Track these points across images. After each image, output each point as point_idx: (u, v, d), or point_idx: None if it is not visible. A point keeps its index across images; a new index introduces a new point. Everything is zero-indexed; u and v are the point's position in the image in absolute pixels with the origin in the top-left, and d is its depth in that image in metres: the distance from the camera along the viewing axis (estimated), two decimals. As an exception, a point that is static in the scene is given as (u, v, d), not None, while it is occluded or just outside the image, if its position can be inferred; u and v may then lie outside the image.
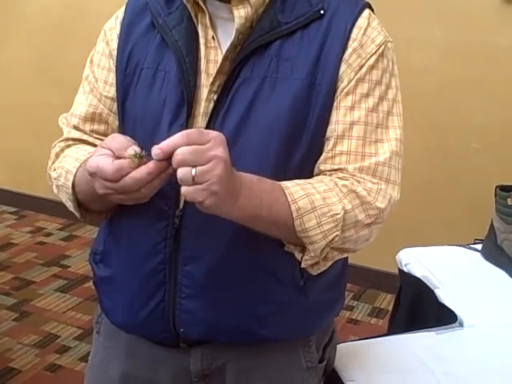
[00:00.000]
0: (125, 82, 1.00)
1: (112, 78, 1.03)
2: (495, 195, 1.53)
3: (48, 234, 3.45)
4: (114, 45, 1.02)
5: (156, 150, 0.80)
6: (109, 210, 1.01)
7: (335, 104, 0.93)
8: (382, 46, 0.95)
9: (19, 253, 3.22)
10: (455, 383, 1.09)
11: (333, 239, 0.89)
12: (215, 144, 0.80)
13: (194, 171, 0.78)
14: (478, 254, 1.59)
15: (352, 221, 0.90)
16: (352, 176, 0.92)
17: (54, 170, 1.02)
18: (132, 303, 0.99)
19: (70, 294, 2.83)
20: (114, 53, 1.02)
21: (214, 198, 0.80)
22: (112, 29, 1.04)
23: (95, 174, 0.85)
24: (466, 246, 1.65)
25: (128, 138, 0.87)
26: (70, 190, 0.98)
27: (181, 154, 0.79)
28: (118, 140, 0.86)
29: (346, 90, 0.93)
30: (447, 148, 2.67)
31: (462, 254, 1.61)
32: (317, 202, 0.89)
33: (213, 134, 0.81)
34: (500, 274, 1.49)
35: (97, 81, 1.04)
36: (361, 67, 0.93)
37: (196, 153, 0.79)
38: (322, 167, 0.94)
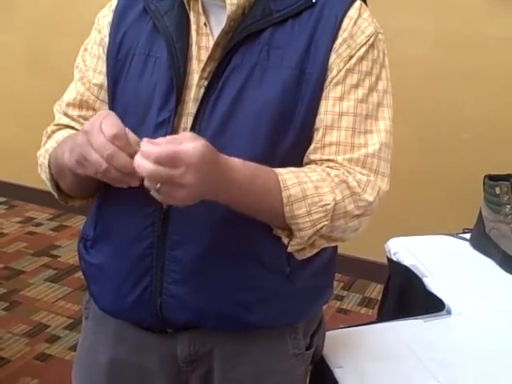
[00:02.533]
0: (116, 68, 1.00)
1: (101, 65, 1.03)
2: (484, 184, 1.54)
3: (38, 224, 3.44)
4: (106, 32, 1.03)
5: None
6: (89, 197, 1.02)
7: (324, 94, 0.93)
8: (373, 37, 0.95)
9: (9, 243, 3.21)
10: (443, 370, 1.10)
11: (321, 228, 0.90)
12: (186, 171, 0.78)
13: (158, 185, 0.78)
14: (467, 243, 1.60)
15: (341, 211, 0.91)
16: (342, 166, 0.93)
17: (39, 150, 1.04)
18: (119, 288, 0.99)
19: (60, 283, 2.83)
20: (106, 39, 1.02)
21: (185, 196, 0.80)
22: (105, 16, 1.05)
23: (88, 132, 0.83)
24: (455, 235, 1.66)
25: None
26: (47, 170, 0.99)
27: (147, 174, 0.77)
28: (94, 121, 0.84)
29: (335, 81, 0.93)
30: (436, 138, 2.68)
31: (450, 243, 1.62)
32: (308, 190, 0.89)
33: (186, 160, 0.77)
34: (488, 262, 1.50)
35: (87, 68, 1.05)
36: (350, 57, 0.93)
37: (166, 177, 0.78)
38: (312, 157, 0.95)
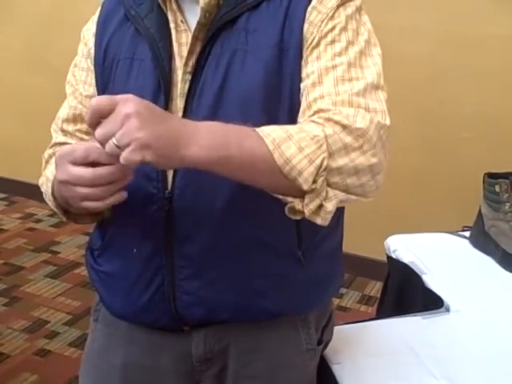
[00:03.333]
0: (103, 77, 1.01)
1: (91, 77, 1.04)
2: (483, 182, 1.54)
3: (38, 221, 3.45)
4: (91, 44, 1.04)
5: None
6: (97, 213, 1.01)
7: (303, 62, 0.91)
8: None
9: (9, 239, 3.21)
10: (440, 366, 1.10)
11: (321, 163, 0.81)
12: (122, 104, 0.77)
13: (113, 139, 0.76)
14: (466, 241, 1.60)
15: (339, 145, 0.83)
16: (327, 111, 0.86)
17: (41, 177, 1.04)
18: (131, 292, 0.99)
19: (60, 279, 2.83)
20: (92, 51, 1.04)
21: (152, 151, 0.76)
22: (89, 29, 1.06)
23: (68, 181, 0.84)
24: (455, 233, 1.66)
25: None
26: (51, 197, 0.99)
27: (97, 134, 0.78)
28: (77, 150, 0.84)
29: (311, 46, 0.91)
30: (437, 136, 2.68)
31: (450, 241, 1.62)
32: (291, 130, 0.83)
33: (118, 96, 0.78)
34: (487, 260, 1.50)
35: (77, 82, 1.06)
36: (322, 22, 0.91)
37: (107, 124, 0.77)
38: (301, 120, 0.90)
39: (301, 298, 1.00)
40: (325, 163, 0.82)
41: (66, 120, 1.06)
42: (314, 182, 0.82)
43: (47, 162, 1.06)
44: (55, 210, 1.01)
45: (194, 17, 0.95)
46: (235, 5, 0.93)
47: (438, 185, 2.71)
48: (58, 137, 1.07)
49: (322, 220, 0.85)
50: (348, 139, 0.83)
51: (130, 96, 0.79)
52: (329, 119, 0.84)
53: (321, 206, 0.84)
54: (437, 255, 1.52)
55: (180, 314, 0.97)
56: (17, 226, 3.38)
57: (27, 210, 3.56)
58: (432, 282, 1.38)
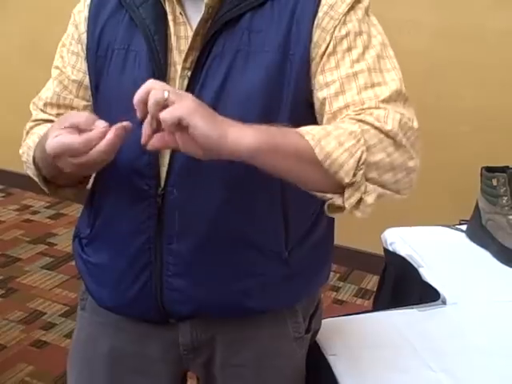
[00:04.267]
0: (97, 65, 0.98)
1: (80, 62, 1.02)
2: (481, 176, 1.53)
3: (35, 212, 3.44)
4: (83, 28, 1.01)
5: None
6: (78, 184, 1.01)
7: (319, 70, 0.90)
8: (353, 3, 0.92)
9: (6, 230, 3.21)
10: (437, 358, 1.10)
11: (361, 157, 0.82)
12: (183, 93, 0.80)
13: (166, 92, 0.76)
14: (463, 235, 1.60)
15: (375, 140, 0.84)
16: (357, 114, 0.87)
17: (22, 147, 1.03)
18: (119, 285, 0.99)
19: (57, 271, 2.83)
20: (83, 36, 1.01)
21: (197, 113, 0.75)
22: (80, 12, 1.03)
23: (62, 153, 0.83)
24: (452, 226, 1.66)
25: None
26: (32, 166, 0.98)
27: (151, 81, 0.79)
28: (83, 115, 0.85)
29: (326, 53, 0.90)
30: (435, 130, 2.67)
31: (447, 234, 1.62)
32: (329, 127, 0.84)
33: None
34: (484, 253, 1.50)
35: (65, 65, 1.04)
36: (335, 28, 0.90)
37: (165, 84, 0.79)
38: None
39: (287, 294, 1.01)
40: (364, 156, 0.83)
41: (50, 104, 1.04)
42: (354, 175, 0.83)
43: (28, 133, 1.04)
44: (35, 178, 1.00)
45: (194, 11, 0.93)
46: (239, 2, 0.91)
47: (435, 178, 2.71)
48: (39, 114, 1.06)
49: (361, 213, 0.86)
50: (381, 136, 0.85)
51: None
52: (360, 120, 0.85)
53: (360, 200, 0.85)
54: (434, 248, 1.52)
55: (166, 309, 0.98)
56: (13, 217, 3.37)
57: (24, 201, 3.56)
58: (429, 274, 1.38)
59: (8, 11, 3.47)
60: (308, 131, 0.83)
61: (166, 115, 0.75)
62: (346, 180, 0.83)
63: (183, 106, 0.75)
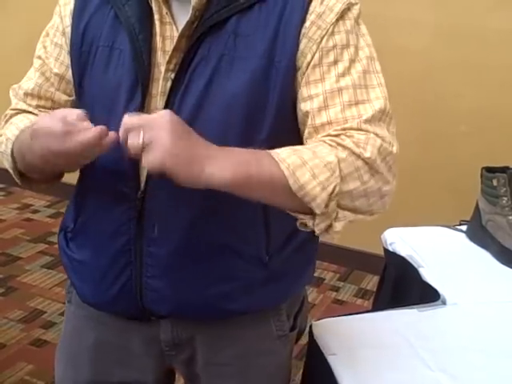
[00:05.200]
0: (81, 60, 0.97)
1: (63, 55, 1.01)
2: (481, 176, 1.53)
3: (35, 211, 3.44)
4: (68, 21, 1.00)
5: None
6: (49, 180, 1.01)
7: (304, 80, 0.89)
8: (342, 12, 0.90)
9: (6, 229, 3.21)
10: (436, 359, 1.10)
11: (333, 190, 0.83)
12: (159, 117, 0.81)
13: (141, 133, 0.78)
14: (463, 235, 1.60)
15: (351, 169, 0.84)
16: (338, 135, 0.87)
17: None
18: (100, 283, 1.00)
19: (56, 270, 2.83)
20: (68, 29, 1.00)
21: (172, 157, 0.78)
22: (66, 4, 1.02)
23: (39, 133, 0.84)
24: (452, 226, 1.66)
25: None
26: (9, 158, 0.98)
27: (129, 119, 0.80)
28: (75, 112, 0.86)
29: (312, 64, 0.89)
30: (435, 130, 2.68)
31: (447, 235, 1.62)
32: (306, 155, 0.84)
33: (154, 115, 0.83)
34: (484, 254, 1.50)
35: (48, 56, 1.03)
36: (322, 38, 0.89)
37: (142, 119, 0.81)
38: (309, 142, 0.91)
39: (269, 296, 1.01)
40: (337, 189, 0.84)
41: (31, 95, 1.04)
42: (326, 206, 0.84)
43: (7, 121, 1.04)
44: (10, 171, 1.00)
45: (181, 12, 0.92)
46: (226, 4, 0.89)
47: (435, 179, 2.71)
48: (18, 103, 1.05)
49: (330, 238, 0.89)
50: (359, 163, 0.85)
51: (160, 112, 0.82)
52: (339, 144, 0.85)
53: (330, 226, 0.87)
54: (434, 249, 1.52)
55: (146, 308, 0.99)
56: (14, 216, 3.37)
57: (24, 200, 3.56)
58: (429, 275, 1.38)
59: (8, 10, 3.47)
60: (284, 159, 0.83)
61: (144, 163, 0.79)
62: (317, 211, 0.85)
63: (159, 149, 0.78)
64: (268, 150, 0.85)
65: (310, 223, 0.87)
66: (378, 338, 1.16)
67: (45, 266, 2.88)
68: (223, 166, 0.81)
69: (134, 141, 0.79)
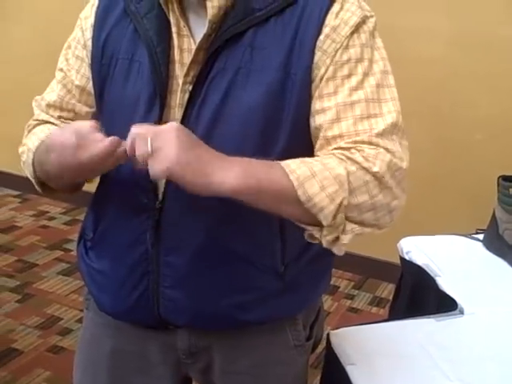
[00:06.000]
0: (101, 73, 0.99)
1: (84, 68, 1.03)
2: (498, 185, 1.53)
3: (51, 218, 3.47)
4: (89, 35, 1.02)
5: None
6: (69, 189, 1.03)
7: (317, 93, 0.89)
8: (357, 25, 0.91)
9: (23, 236, 3.24)
10: (455, 369, 1.10)
11: (341, 202, 0.84)
12: (167, 128, 0.83)
13: (149, 140, 0.80)
14: (480, 244, 1.60)
15: (360, 183, 0.85)
16: (348, 149, 0.87)
17: (22, 145, 1.05)
18: (118, 293, 1.01)
19: (73, 277, 2.85)
20: (89, 43, 1.01)
21: (179, 164, 0.80)
22: (87, 17, 1.03)
23: (54, 146, 0.87)
24: (468, 235, 1.65)
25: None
26: (31, 167, 1.00)
27: (136, 129, 0.82)
28: (88, 125, 0.88)
29: (325, 77, 0.89)
30: (451, 139, 2.67)
31: (463, 244, 1.61)
32: (315, 167, 0.84)
33: (163, 126, 0.84)
34: (501, 263, 1.50)
35: (69, 68, 1.05)
36: (336, 51, 0.89)
37: (149, 129, 0.82)
38: (319, 152, 0.91)
39: (284, 306, 1.01)
40: (345, 202, 0.84)
41: (53, 106, 1.06)
42: (334, 218, 0.85)
43: (29, 131, 1.06)
44: (32, 180, 1.02)
45: (198, 25, 0.93)
46: (242, 17, 0.90)
47: (450, 187, 2.71)
48: (40, 114, 1.07)
49: (337, 250, 0.90)
50: (368, 177, 0.85)
51: (169, 123, 0.84)
52: (349, 158, 0.86)
53: (337, 238, 0.87)
54: (450, 258, 1.52)
55: (163, 318, 1.00)
56: (30, 223, 3.40)
57: (40, 207, 3.59)
58: (446, 284, 1.38)
59: (25, 18, 3.51)
60: (294, 170, 0.84)
61: (152, 171, 0.81)
62: (325, 223, 0.85)
63: (166, 156, 0.80)
64: (278, 161, 0.86)
65: (317, 235, 0.88)
66: (395, 348, 1.16)
67: (61, 272, 2.90)
68: (231, 174, 0.82)
69: (142, 149, 0.80)
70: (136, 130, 0.83)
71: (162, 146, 0.80)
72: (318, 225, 0.86)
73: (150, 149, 0.80)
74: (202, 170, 0.81)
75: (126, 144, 0.83)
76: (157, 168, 0.80)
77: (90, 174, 0.92)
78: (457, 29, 2.56)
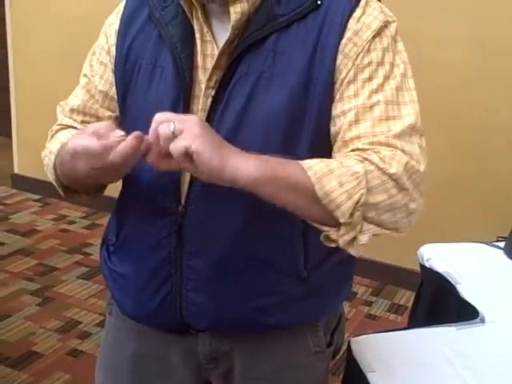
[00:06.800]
0: (125, 79, 1.00)
1: (108, 73, 1.04)
2: (519, 193, 1.53)
3: (71, 222, 3.50)
4: (113, 41, 1.03)
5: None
6: (94, 192, 1.04)
7: (338, 96, 0.90)
8: (379, 29, 0.91)
9: (43, 239, 3.27)
10: (477, 378, 1.09)
11: (359, 200, 0.83)
12: (188, 117, 0.84)
13: (172, 124, 0.80)
14: (501, 252, 1.59)
15: (378, 182, 0.84)
16: (365, 150, 0.87)
17: (44, 149, 1.06)
18: (140, 296, 1.02)
19: (92, 281, 2.87)
20: (113, 49, 1.03)
21: (200, 141, 0.80)
22: (112, 24, 1.05)
23: (78, 154, 0.86)
24: (489, 243, 1.65)
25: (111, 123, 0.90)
26: (52, 171, 1.01)
27: (160, 114, 0.83)
28: (103, 123, 0.89)
29: (346, 81, 0.90)
30: (471, 144, 2.66)
31: (484, 251, 1.61)
32: (333, 164, 0.84)
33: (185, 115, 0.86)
34: (522, 271, 1.49)
35: (93, 74, 1.06)
36: (358, 55, 0.90)
37: (173, 115, 0.84)
38: (336, 154, 0.92)
39: (306, 311, 1.01)
40: (362, 199, 0.84)
41: (76, 111, 1.07)
42: (351, 215, 0.84)
43: (52, 136, 1.07)
44: (54, 183, 1.03)
45: (221, 31, 0.94)
46: (265, 23, 0.91)
47: (470, 193, 2.69)
48: (64, 119, 1.09)
49: (354, 251, 0.88)
50: (385, 178, 0.85)
51: (191, 115, 0.86)
52: (366, 159, 0.86)
53: (355, 238, 0.86)
54: (471, 265, 1.51)
55: (185, 321, 1.00)
56: (50, 227, 3.43)
57: (60, 211, 3.62)
58: (467, 292, 1.38)
59: (48, 26, 3.55)
60: (312, 166, 0.84)
61: (172, 149, 0.80)
62: (342, 220, 0.84)
63: (188, 135, 0.80)
64: (295, 160, 0.86)
65: (334, 235, 0.87)
66: (416, 356, 1.16)
67: (80, 276, 2.92)
68: (248, 162, 0.82)
69: (165, 129, 0.81)
70: (160, 116, 0.83)
71: (185, 128, 0.81)
72: (335, 225, 0.86)
73: (172, 129, 0.80)
74: (219, 152, 0.81)
75: (150, 132, 0.83)
76: (178, 145, 0.80)
77: (120, 173, 0.91)
78: (477, 34, 2.55)
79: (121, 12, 1.04)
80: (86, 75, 1.08)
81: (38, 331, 2.47)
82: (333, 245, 0.88)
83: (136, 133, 0.84)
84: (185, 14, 0.95)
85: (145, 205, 0.99)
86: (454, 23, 2.58)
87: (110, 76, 1.04)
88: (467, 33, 2.57)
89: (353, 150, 0.88)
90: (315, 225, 0.89)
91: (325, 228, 0.88)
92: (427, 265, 1.55)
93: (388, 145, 0.87)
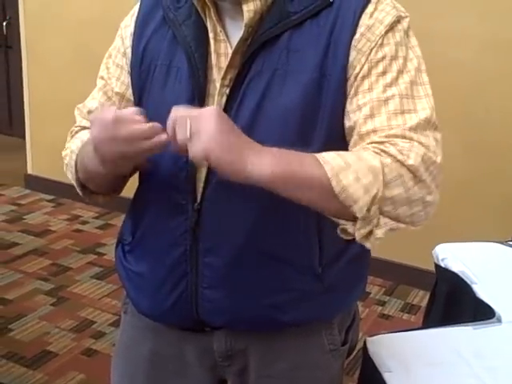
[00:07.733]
0: (140, 80, 1.01)
1: (124, 75, 1.05)
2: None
3: (84, 222, 3.52)
4: (128, 43, 1.04)
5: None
6: (111, 192, 1.05)
7: (353, 91, 0.90)
8: (391, 24, 0.91)
9: (56, 239, 3.30)
10: (494, 378, 1.09)
11: (376, 194, 0.83)
12: (203, 111, 0.84)
13: (188, 124, 0.81)
14: (516, 251, 1.58)
15: (395, 175, 0.84)
16: (382, 142, 0.87)
17: (65, 149, 1.07)
18: (156, 294, 1.02)
19: (106, 281, 2.89)
20: (128, 51, 1.04)
21: (217, 144, 0.80)
22: (127, 26, 1.06)
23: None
24: (505, 242, 1.64)
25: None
26: (73, 169, 1.02)
27: (176, 111, 0.83)
28: (110, 109, 0.89)
29: (360, 75, 0.90)
30: (484, 143, 2.65)
31: (499, 251, 1.60)
32: (350, 158, 0.85)
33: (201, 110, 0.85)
34: (538, 271, 1.49)
35: (110, 76, 1.07)
36: (371, 50, 0.90)
37: (188, 111, 0.83)
38: (353, 149, 0.91)
39: (321, 309, 1.02)
40: (380, 193, 0.84)
41: (94, 112, 1.07)
42: (368, 210, 0.84)
43: (72, 137, 1.08)
44: (73, 182, 1.04)
45: (234, 29, 0.95)
46: (278, 21, 0.91)
47: (485, 193, 2.68)
48: (82, 121, 1.10)
49: (370, 245, 0.88)
50: (403, 170, 0.85)
51: (212, 107, 0.85)
52: (383, 151, 0.86)
53: (371, 232, 0.86)
54: (487, 265, 1.51)
55: (201, 319, 1.00)
56: (64, 227, 3.46)
57: (74, 211, 3.65)
58: (483, 292, 1.37)
59: (61, 28, 3.58)
60: (329, 161, 0.84)
61: (191, 154, 0.82)
62: (359, 215, 0.84)
63: (205, 137, 0.80)
64: (312, 154, 0.86)
65: (350, 229, 0.87)
66: (433, 356, 1.15)
67: (94, 276, 2.94)
68: (265, 159, 0.82)
69: (182, 133, 0.82)
70: (176, 112, 0.84)
71: (201, 128, 0.81)
72: (351, 219, 0.86)
73: (188, 132, 0.81)
74: (237, 151, 0.82)
75: (167, 128, 0.84)
76: (196, 148, 0.81)
77: (127, 160, 0.91)
78: (490, 32, 2.54)
79: (135, 14, 1.05)
80: (102, 78, 1.09)
81: (53, 331, 2.48)
82: (349, 237, 0.88)
83: (154, 123, 0.85)
84: (198, 13, 0.96)
85: (161, 204, 1.00)
86: (467, 23, 2.57)
87: (126, 78, 1.05)
88: (479, 32, 2.56)
89: (369, 144, 0.88)
90: (332, 219, 0.89)
91: (341, 221, 0.88)
92: (442, 264, 1.54)
93: (404, 137, 0.87)
